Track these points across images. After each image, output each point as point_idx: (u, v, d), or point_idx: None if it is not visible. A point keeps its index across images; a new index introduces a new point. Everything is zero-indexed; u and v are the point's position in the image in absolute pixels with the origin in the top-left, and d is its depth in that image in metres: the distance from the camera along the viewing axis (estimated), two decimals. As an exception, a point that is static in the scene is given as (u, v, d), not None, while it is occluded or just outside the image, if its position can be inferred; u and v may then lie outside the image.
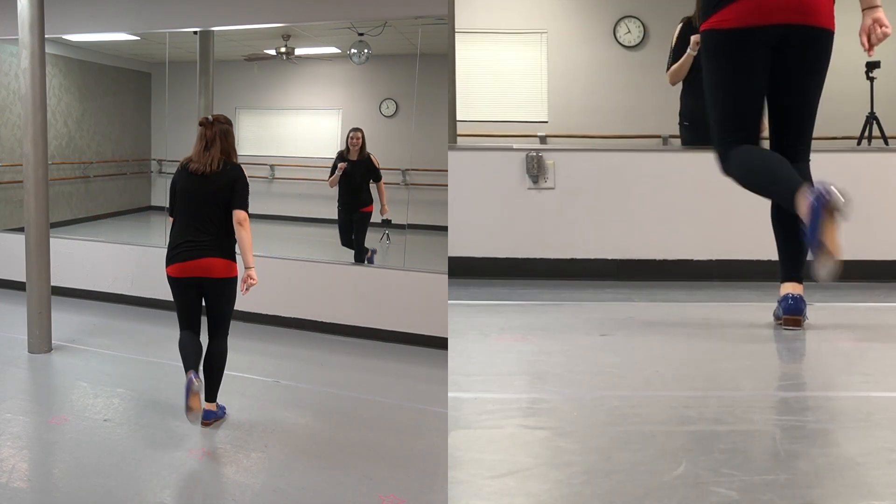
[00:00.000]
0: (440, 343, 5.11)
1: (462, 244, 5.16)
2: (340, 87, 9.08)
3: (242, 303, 6.51)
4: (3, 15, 6.19)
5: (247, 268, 3.99)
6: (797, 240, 3.28)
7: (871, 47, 3.35)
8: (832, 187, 2.88)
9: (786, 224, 3.33)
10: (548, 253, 5.24)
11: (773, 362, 2.95)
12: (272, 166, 9.19)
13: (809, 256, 2.99)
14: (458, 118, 5.56)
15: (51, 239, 5.48)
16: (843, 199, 2.86)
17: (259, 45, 8.10)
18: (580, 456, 1.97)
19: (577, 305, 4.35)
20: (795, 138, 3.42)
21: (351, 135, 6.82)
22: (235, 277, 4.07)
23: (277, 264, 6.42)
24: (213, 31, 6.92)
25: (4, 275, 7.09)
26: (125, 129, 9.57)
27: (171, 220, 4.16)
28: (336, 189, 6.91)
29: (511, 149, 5.37)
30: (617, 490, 1.76)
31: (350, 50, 7.54)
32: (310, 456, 3.76)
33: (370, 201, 6.88)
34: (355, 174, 6.79)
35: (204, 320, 4.10)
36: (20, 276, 5.61)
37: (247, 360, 5.38)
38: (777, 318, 3.42)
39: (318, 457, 3.75)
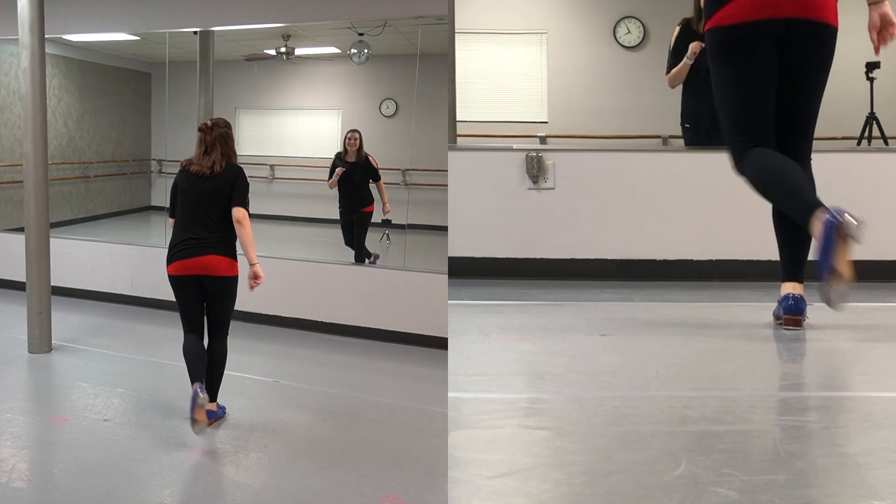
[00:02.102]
0: (440, 343, 5.12)
1: (462, 244, 5.17)
2: (340, 87, 9.09)
3: (242, 303, 6.50)
4: (3, 15, 6.19)
5: (251, 264, 3.99)
6: (798, 239, 3.29)
7: (879, 46, 3.34)
8: (846, 213, 2.89)
9: (787, 224, 3.33)
10: (548, 253, 5.24)
11: (773, 362, 2.95)
12: (272, 166, 9.19)
13: (812, 256, 3.00)
14: (458, 118, 5.57)
15: (51, 239, 5.48)
16: (856, 225, 2.87)
17: (259, 45, 8.10)
18: (580, 456, 1.97)
19: (577, 305, 4.35)
20: (799, 136, 3.43)
21: (349, 136, 6.83)
22: (237, 277, 4.07)
23: (277, 264, 6.42)
24: (213, 31, 6.92)
25: (4, 275, 7.09)
26: (125, 129, 9.57)
27: (171, 221, 4.16)
28: (336, 191, 6.91)
29: (511, 149, 5.37)
30: (617, 490, 1.76)
31: (350, 50, 7.54)
32: (310, 456, 3.76)
33: (371, 201, 6.89)
34: (354, 175, 6.80)
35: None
36: (20, 276, 5.61)
37: (247, 360, 5.38)
38: (777, 317, 3.42)
39: (318, 457, 3.75)
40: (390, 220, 7.18)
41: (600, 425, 2.22)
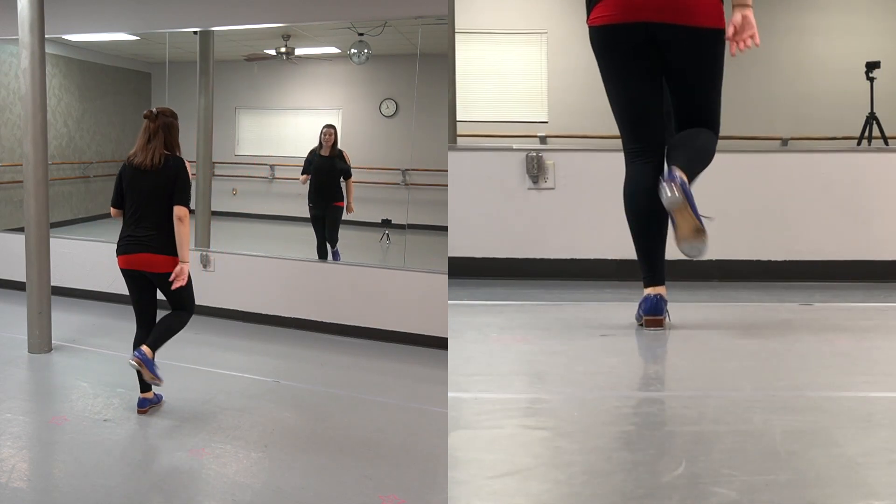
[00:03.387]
0: (440, 343, 5.12)
1: (462, 244, 5.17)
2: (340, 87, 9.09)
3: (243, 303, 6.52)
4: (3, 15, 6.19)
5: (181, 262, 4.09)
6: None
7: (734, 48, 3.34)
8: (656, 318, 3.32)
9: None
10: (548, 253, 5.24)
11: (773, 362, 2.95)
12: (272, 166, 9.19)
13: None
14: (458, 118, 5.57)
15: (51, 239, 5.48)
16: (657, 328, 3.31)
17: (259, 45, 8.10)
18: (580, 456, 1.97)
19: (577, 305, 4.35)
20: (698, 120, 3.42)
21: (324, 131, 6.87)
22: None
23: (277, 264, 6.42)
24: (213, 31, 6.92)
25: (4, 275, 7.09)
26: (125, 129, 9.56)
27: (113, 211, 4.30)
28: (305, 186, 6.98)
29: (511, 149, 5.38)
30: (617, 490, 1.76)
31: (350, 50, 7.54)
32: (310, 456, 3.76)
33: (341, 197, 6.91)
34: (327, 169, 6.81)
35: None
36: (20, 276, 5.61)
37: (247, 360, 5.38)
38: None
39: (318, 457, 3.75)
40: (390, 220, 7.18)
41: (600, 425, 2.22)
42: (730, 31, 3.33)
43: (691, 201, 3.13)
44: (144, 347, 4.08)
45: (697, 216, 3.13)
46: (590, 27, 3.41)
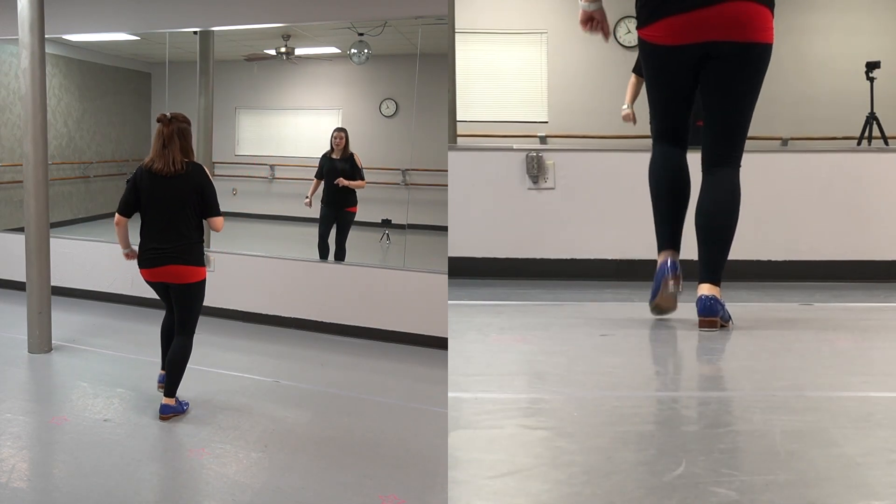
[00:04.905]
0: (440, 343, 5.12)
1: (462, 244, 5.17)
2: (340, 87, 9.09)
3: (243, 303, 6.52)
4: (3, 15, 6.19)
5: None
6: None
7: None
8: (673, 275, 3.50)
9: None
10: (548, 253, 5.24)
11: (773, 362, 2.95)
12: (272, 166, 9.19)
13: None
14: (458, 118, 5.57)
15: (51, 239, 5.48)
16: (670, 290, 3.50)
17: (259, 45, 8.10)
18: (580, 456, 1.97)
19: (577, 305, 4.35)
20: (725, 146, 3.48)
21: (335, 134, 6.86)
22: (203, 281, 4.15)
23: (277, 264, 6.42)
24: (213, 31, 6.92)
25: (4, 275, 7.09)
26: (125, 129, 9.57)
27: (118, 218, 4.20)
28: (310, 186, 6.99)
29: (511, 149, 5.37)
30: (617, 490, 1.76)
31: (350, 50, 7.54)
32: (310, 456, 3.76)
33: (355, 202, 6.89)
34: (340, 172, 6.80)
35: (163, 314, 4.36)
36: (20, 276, 5.61)
37: (247, 360, 5.38)
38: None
39: (318, 457, 3.75)
40: (390, 220, 7.18)
41: (600, 425, 2.22)
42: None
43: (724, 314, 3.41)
44: (165, 400, 4.12)
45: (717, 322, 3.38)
46: (645, 42, 3.44)
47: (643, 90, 5.15)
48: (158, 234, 4.08)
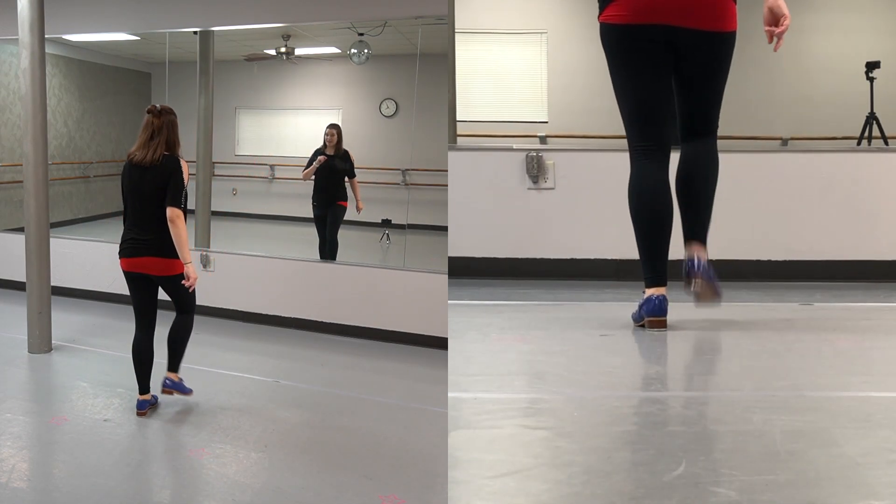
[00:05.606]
0: (440, 343, 5.12)
1: (462, 244, 5.17)
2: (340, 87, 9.09)
3: (243, 303, 6.52)
4: (3, 15, 6.19)
5: (184, 263, 4.04)
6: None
7: (779, 43, 3.35)
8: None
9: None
10: (548, 253, 5.24)
11: (773, 362, 2.95)
12: (272, 166, 9.19)
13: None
14: (458, 118, 5.57)
15: (51, 239, 5.48)
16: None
17: (259, 45, 8.10)
18: (580, 456, 1.97)
19: (577, 305, 4.35)
20: (699, 124, 3.47)
21: (327, 131, 6.85)
22: (180, 273, 4.11)
23: (277, 264, 6.43)
24: (213, 31, 6.92)
25: (4, 275, 7.09)
26: (125, 129, 9.56)
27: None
28: (310, 186, 6.94)
29: (511, 149, 5.38)
30: (617, 490, 1.76)
31: (350, 50, 7.54)
32: (310, 456, 3.76)
33: (345, 196, 6.88)
34: (332, 167, 6.79)
35: (166, 314, 4.28)
36: (20, 276, 5.61)
37: (247, 360, 5.38)
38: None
39: (318, 457, 3.75)
40: (390, 220, 7.17)
41: (600, 425, 2.22)
42: (770, 35, 3.33)
43: (714, 282, 3.32)
44: (169, 374, 4.13)
45: (717, 288, 3.32)
46: (603, 24, 3.39)
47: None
48: (136, 225, 4.11)
